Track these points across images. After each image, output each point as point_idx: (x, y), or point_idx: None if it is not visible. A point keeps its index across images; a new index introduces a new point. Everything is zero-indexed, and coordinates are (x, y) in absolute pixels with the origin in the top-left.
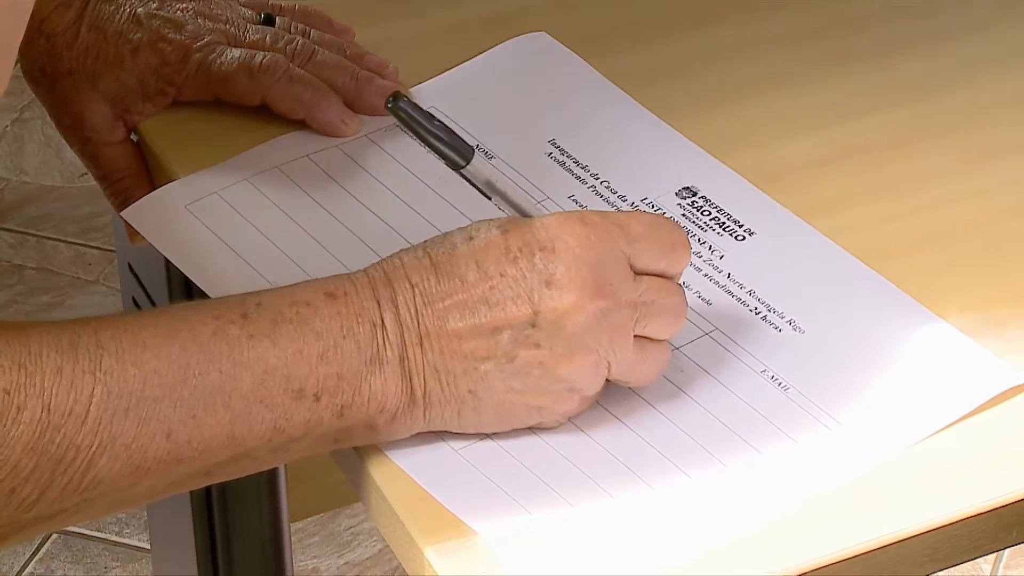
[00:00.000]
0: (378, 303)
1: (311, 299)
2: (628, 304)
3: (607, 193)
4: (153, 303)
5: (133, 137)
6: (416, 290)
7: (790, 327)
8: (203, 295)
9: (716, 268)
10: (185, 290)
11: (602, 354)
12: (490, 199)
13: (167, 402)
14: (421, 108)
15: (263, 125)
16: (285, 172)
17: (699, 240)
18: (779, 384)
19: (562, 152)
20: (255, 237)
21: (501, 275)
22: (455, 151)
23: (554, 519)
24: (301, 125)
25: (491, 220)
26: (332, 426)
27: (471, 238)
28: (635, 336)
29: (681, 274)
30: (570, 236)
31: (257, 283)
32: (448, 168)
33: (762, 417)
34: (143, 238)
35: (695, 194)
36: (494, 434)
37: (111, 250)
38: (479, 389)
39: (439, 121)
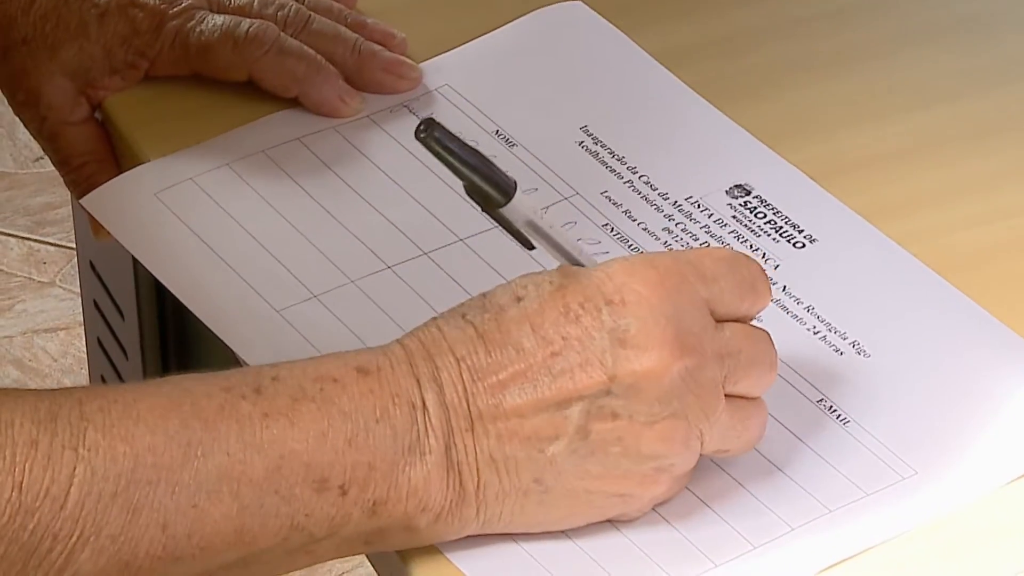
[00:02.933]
0: (418, 381)
1: (338, 374)
2: (715, 358)
3: (646, 190)
4: (118, 308)
5: (97, 115)
6: (463, 364)
7: (853, 350)
8: (176, 299)
9: (770, 280)
10: (156, 295)
11: (693, 421)
12: (530, 247)
13: (163, 487)
14: (458, 138)
15: (248, 103)
16: (272, 157)
17: (751, 247)
18: (838, 416)
19: (595, 141)
20: (235, 232)
21: (563, 339)
22: (495, 187)
23: None
24: (293, 103)
25: (540, 274)
26: (362, 525)
27: (520, 299)
28: (725, 396)
29: (757, 316)
30: (640, 284)
31: (236, 286)
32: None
33: (820, 459)
34: (108, 232)
35: (748, 193)
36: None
37: (70, 247)
38: (546, 477)
39: (478, 151)
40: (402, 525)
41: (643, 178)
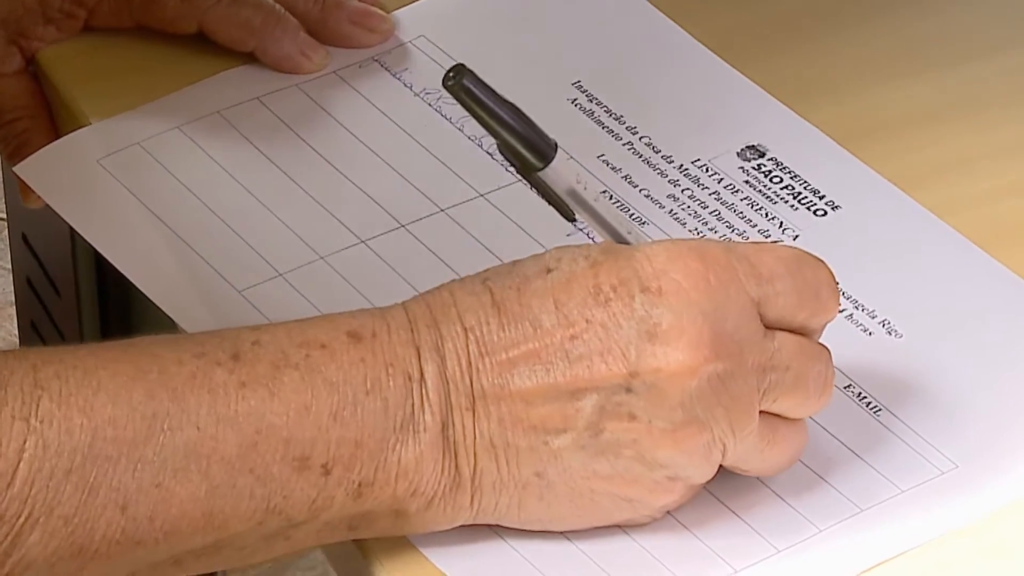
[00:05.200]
0: (417, 350)
1: (327, 339)
2: (755, 369)
3: (648, 153)
4: (53, 284)
5: (31, 70)
6: (471, 336)
7: (883, 329)
8: (119, 276)
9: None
10: (96, 271)
11: (717, 433)
12: (571, 219)
13: (124, 464)
14: (493, 90)
15: (200, 58)
16: (228, 119)
17: (767, 215)
18: (868, 404)
19: (590, 98)
20: (189, 203)
21: (587, 321)
22: (532, 149)
23: None
24: (250, 59)
25: (579, 247)
26: (347, 509)
27: (549, 270)
28: (760, 412)
29: (823, 330)
30: (682, 274)
31: (192, 263)
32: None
33: (850, 452)
34: (41, 198)
35: (763, 155)
36: (568, 533)
37: (0, 218)
38: (549, 471)
39: (515, 106)
40: (390, 509)
41: (644, 139)
